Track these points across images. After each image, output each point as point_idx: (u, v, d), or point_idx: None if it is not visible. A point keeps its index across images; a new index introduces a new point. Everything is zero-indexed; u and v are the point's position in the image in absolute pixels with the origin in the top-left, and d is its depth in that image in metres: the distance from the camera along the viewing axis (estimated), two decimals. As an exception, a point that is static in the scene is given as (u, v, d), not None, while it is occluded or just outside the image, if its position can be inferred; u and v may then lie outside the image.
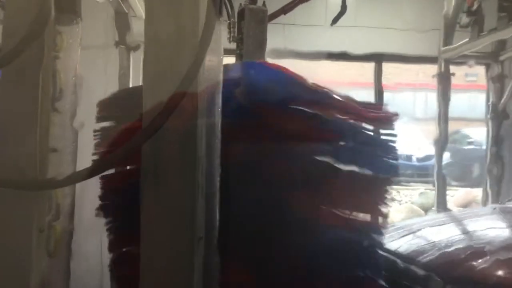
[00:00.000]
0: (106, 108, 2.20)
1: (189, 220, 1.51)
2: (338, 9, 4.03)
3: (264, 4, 2.59)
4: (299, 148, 1.89)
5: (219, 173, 1.63)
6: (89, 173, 1.58)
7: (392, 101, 13.36)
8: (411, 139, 10.85)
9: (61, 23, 1.76)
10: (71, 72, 1.81)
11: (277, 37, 5.43)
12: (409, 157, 10.74)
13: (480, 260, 1.79)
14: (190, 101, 1.53)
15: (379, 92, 5.98)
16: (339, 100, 2.04)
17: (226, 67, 1.92)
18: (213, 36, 1.58)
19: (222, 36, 1.72)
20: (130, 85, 4.04)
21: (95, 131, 2.15)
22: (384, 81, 6.43)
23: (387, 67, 6.45)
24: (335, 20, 3.38)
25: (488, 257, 1.77)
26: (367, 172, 1.96)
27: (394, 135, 2.00)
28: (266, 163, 1.88)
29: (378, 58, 5.92)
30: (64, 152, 1.79)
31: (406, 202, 8.48)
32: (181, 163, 1.54)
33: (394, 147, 2.00)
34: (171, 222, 1.54)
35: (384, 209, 1.93)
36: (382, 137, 2.01)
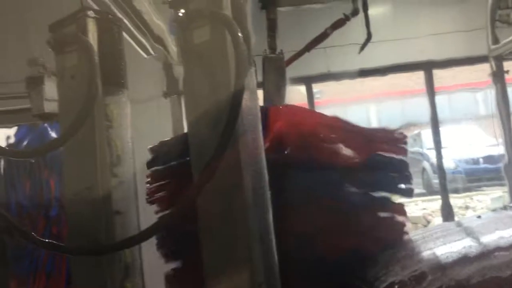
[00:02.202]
0: (158, 154, 2.35)
1: (247, 267, 1.56)
2: (378, 23, 4.03)
3: (281, 52, 2.84)
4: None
5: (271, 218, 1.67)
6: (152, 232, 1.68)
7: (449, 104, 12.98)
8: (476, 141, 10.34)
9: (109, 95, 1.91)
10: (126, 139, 1.95)
11: (319, 61, 5.49)
12: (476, 161, 10.13)
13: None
14: (233, 150, 1.61)
15: (431, 99, 5.84)
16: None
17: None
18: (248, 83, 1.66)
19: (255, 83, 1.80)
20: (185, 131, 4.20)
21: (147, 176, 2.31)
22: (438, 84, 6.28)
23: (439, 70, 6.30)
24: (362, 48, 3.45)
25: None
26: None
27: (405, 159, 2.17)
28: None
29: (426, 66, 5.81)
30: (127, 213, 1.91)
31: (481, 208, 8.04)
32: (232, 212, 1.60)
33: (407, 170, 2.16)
34: (230, 270, 1.60)
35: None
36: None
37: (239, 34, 1.59)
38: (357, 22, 3.98)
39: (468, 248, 1.73)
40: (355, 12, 3.26)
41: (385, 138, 2.18)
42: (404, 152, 2.19)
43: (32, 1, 5.26)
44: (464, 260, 1.66)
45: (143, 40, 3.30)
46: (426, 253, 1.85)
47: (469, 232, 1.93)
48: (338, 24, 3.32)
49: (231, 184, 1.63)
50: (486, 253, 1.67)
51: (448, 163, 7.88)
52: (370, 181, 2.09)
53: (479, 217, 2.25)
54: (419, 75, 6.24)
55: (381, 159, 2.13)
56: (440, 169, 5.92)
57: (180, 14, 1.75)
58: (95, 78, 1.75)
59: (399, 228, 2.13)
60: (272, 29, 2.90)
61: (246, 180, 1.62)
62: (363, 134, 2.16)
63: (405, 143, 2.20)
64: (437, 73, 6.14)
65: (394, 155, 2.16)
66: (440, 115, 5.94)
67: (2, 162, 3.04)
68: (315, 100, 6.17)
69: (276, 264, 1.64)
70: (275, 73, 2.72)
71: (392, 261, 1.86)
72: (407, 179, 2.17)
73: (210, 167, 1.56)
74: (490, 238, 1.78)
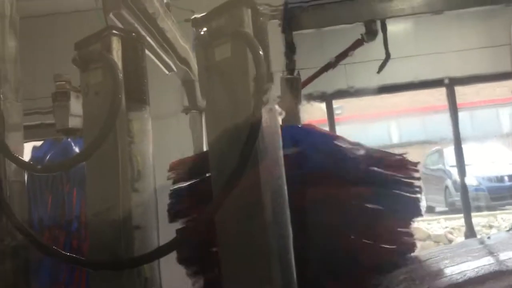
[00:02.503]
0: (180, 170, 2.39)
1: (266, 285, 1.56)
2: (398, 39, 4.03)
3: (298, 73, 3.02)
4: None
5: (291, 236, 1.67)
6: (172, 247, 1.69)
7: (471, 121, 12.79)
8: (500, 159, 10.12)
9: (131, 111, 1.94)
10: (147, 155, 1.97)
11: (339, 77, 5.50)
12: (500, 178, 9.85)
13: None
14: (253, 168, 1.61)
15: (454, 115, 5.77)
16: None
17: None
18: (268, 99, 1.68)
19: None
20: (204, 146, 4.23)
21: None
22: (460, 100, 6.20)
23: (462, 87, 6.23)
24: (381, 68, 3.51)
25: None
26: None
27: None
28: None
29: (447, 83, 5.75)
30: (147, 228, 1.92)
31: (505, 228, 7.84)
32: (251, 230, 1.60)
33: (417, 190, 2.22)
34: (249, 284, 1.60)
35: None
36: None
37: (260, 52, 1.61)
38: (378, 38, 3.98)
39: (472, 270, 1.70)
40: (372, 33, 3.28)
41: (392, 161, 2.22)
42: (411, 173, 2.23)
43: (61, 19, 5.42)
44: (468, 282, 1.63)
45: (165, 57, 3.36)
46: (430, 275, 1.82)
47: (475, 254, 1.90)
48: (356, 45, 3.38)
49: (251, 202, 1.64)
50: (490, 275, 1.63)
51: (471, 181, 7.74)
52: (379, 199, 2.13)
53: (489, 237, 2.24)
54: (441, 91, 6.18)
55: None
56: (463, 187, 5.82)
57: (202, 32, 1.78)
58: (119, 95, 1.78)
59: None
60: (290, 51, 3.08)
61: (266, 198, 1.63)
62: (374, 155, 2.22)
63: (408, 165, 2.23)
64: (460, 89, 6.07)
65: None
66: (463, 131, 5.86)
67: (26, 176, 3.10)
68: (336, 116, 6.15)
69: (295, 282, 1.64)
70: (291, 93, 2.89)
71: (393, 284, 1.84)
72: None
73: (230, 184, 1.57)
74: (496, 260, 1.75)
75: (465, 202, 5.73)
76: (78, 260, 1.97)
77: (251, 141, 1.57)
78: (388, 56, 3.40)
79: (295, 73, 3.03)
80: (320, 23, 3.27)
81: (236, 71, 1.72)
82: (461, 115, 6.19)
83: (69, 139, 3.50)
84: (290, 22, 3.12)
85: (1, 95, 1.95)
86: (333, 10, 3.22)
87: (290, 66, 3.03)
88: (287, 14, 3.13)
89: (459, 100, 6.01)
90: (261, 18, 1.85)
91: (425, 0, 3.21)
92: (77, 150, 3.40)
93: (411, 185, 2.20)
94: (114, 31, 1.93)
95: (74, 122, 3.46)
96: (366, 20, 3.19)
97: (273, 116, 1.74)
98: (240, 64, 1.70)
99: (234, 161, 1.57)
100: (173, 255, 2.06)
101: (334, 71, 4.15)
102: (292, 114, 2.77)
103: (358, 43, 3.35)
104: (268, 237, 1.58)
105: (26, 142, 2.14)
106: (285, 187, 1.72)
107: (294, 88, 2.92)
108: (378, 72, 3.50)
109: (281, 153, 1.75)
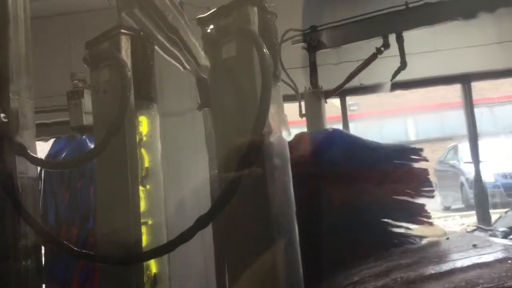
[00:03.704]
0: None
1: (271, 274, 1.58)
2: (414, 38, 4.01)
3: (321, 87, 3.59)
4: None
5: (296, 228, 1.68)
6: (179, 241, 1.71)
7: (491, 117, 12.58)
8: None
9: (140, 108, 1.97)
10: (156, 151, 2.00)
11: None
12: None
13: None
14: (259, 163, 1.63)
15: (470, 112, 5.69)
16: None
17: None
18: (274, 97, 1.69)
19: (281, 96, 1.83)
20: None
21: None
22: (478, 96, 6.11)
23: (479, 82, 6.15)
24: (395, 75, 3.70)
25: None
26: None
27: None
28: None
29: (463, 79, 5.67)
30: (156, 224, 1.95)
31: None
32: (257, 221, 1.62)
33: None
34: (255, 277, 1.62)
35: None
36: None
37: (265, 50, 1.62)
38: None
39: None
40: (386, 46, 3.59)
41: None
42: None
43: (77, 18, 5.49)
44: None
45: (179, 55, 3.39)
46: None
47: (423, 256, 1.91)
48: (372, 58, 3.66)
49: (257, 197, 1.65)
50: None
51: (487, 178, 7.59)
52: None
53: (447, 238, 2.29)
54: (458, 87, 6.10)
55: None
56: (478, 183, 5.74)
57: (208, 30, 1.79)
58: (127, 93, 1.81)
59: None
60: (313, 69, 3.65)
61: (272, 193, 1.64)
62: (385, 151, 2.40)
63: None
64: (477, 85, 5.99)
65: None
66: (480, 128, 5.78)
67: (43, 173, 3.16)
68: (352, 113, 6.13)
69: (300, 272, 1.65)
70: (314, 105, 3.47)
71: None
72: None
73: (236, 179, 1.59)
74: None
75: (480, 199, 5.66)
76: (88, 255, 2.01)
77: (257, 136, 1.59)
78: (403, 65, 3.59)
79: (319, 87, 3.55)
80: (341, 41, 3.73)
81: (242, 69, 1.74)
82: (479, 111, 6.10)
83: (84, 137, 3.56)
84: (315, 43, 3.65)
85: (15, 94, 1.99)
86: (351, 29, 3.64)
87: (313, 81, 3.56)
88: (313, 37, 3.64)
89: (477, 96, 5.93)
90: (268, 16, 1.86)
91: (437, 10, 3.41)
92: (92, 147, 3.45)
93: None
94: (123, 30, 1.96)
95: (89, 120, 3.52)
96: (383, 34, 3.53)
97: (280, 111, 1.75)
98: (246, 62, 1.71)
99: (240, 155, 1.58)
100: (181, 249, 2.09)
101: (349, 68, 4.15)
102: (318, 121, 3.33)
103: (373, 57, 3.63)
104: (274, 230, 1.60)
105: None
106: (291, 183, 1.73)
107: (317, 100, 3.48)
108: (392, 79, 3.73)
109: (287, 148, 1.76)
